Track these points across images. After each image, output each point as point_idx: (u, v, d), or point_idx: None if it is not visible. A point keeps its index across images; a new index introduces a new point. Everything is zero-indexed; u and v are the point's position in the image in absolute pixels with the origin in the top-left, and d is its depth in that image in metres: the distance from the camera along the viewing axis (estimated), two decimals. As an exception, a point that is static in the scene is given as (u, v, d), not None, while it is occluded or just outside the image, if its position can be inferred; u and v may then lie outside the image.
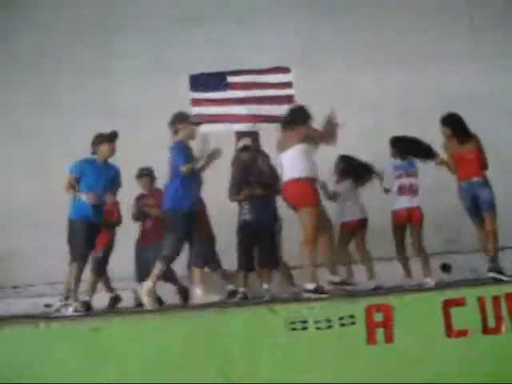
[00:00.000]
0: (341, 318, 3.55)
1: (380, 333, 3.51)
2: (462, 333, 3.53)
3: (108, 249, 6.03)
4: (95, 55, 7.82)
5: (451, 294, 3.68)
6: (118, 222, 6.13)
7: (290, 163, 4.83)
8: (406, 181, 5.53)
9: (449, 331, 3.53)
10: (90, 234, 5.17)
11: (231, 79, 6.05)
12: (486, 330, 3.55)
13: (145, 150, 6.30)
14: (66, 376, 3.57)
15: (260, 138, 5.90)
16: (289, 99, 5.85)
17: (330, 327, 3.53)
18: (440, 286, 4.60)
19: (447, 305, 3.57)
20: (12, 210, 7.41)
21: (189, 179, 5.08)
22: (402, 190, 5.52)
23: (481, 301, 3.59)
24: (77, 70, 7.82)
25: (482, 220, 5.33)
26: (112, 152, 5.36)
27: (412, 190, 5.50)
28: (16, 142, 7.67)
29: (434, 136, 6.48)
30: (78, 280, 5.07)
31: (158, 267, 4.96)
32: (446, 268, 5.39)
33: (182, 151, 5.11)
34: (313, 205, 4.73)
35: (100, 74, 7.69)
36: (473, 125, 6.95)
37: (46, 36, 7.81)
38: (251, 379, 3.50)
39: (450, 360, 3.49)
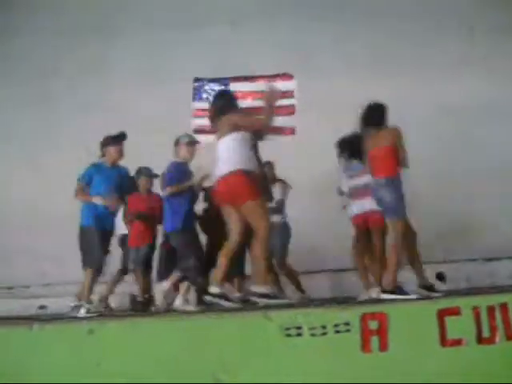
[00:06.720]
0: (336, 325, 3.54)
1: (375, 341, 3.51)
2: (457, 342, 3.53)
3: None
4: (93, 56, 7.84)
5: (446, 303, 3.68)
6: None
7: (225, 155, 4.41)
8: (359, 182, 5.20)
9: (443, 340, 3.53)
10: (103, 241, 5.18)
11: (234, 87, 5.95)
12: (480, 339, 3.54)
13: (143, 153, 6.29)
14: (59, 378, 3.55)
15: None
16: (290, 109, 5.67)
17: (324, 334, 3.53)
18: (435, 295, 4.59)
19: (442, 314, 3.56)
20: (8, 210, 7.40)
21: (177, 199, 5.12)
22: (354, 193, 5.24)
23: (475, 310, 3.59)
24: (75, 71, 7.83)
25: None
26: (119, 154, 5.30)
27: (367, 192, 5.03)
28: (14, 142, 7.67)
29: (431, 141, 6.53)
30: (90, 286, 5.13)
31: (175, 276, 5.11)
32: (440, 277, 5.36)
33: (172, 172, 5.19)
34: (255, 198, 4.31)
35: (97, 75, 7.71)
36: (471, 133, 7.00)
37: (45, 37, 7.83)
38: (245, 385, 3.49)
39: (444, 369, 3.49)
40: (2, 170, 7.55)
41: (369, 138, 4.81)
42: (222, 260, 4.38)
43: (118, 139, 5.30)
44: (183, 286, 5.14)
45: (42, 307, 6.61)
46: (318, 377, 3.50)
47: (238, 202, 4.33)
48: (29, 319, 4.74)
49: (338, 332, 3.53)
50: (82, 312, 4.98)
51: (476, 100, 7.09)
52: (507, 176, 6.81)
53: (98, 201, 5.13)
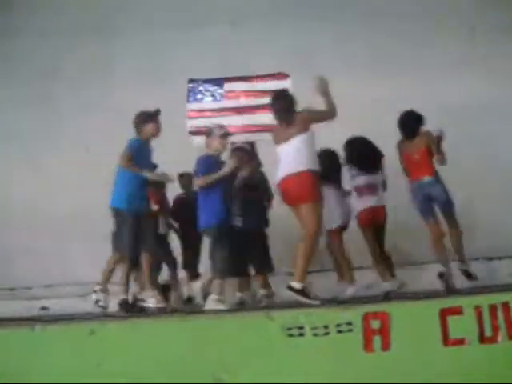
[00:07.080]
0: (338, 325, 3.54)
1: (377, 340, 3.51)
2: (459, 341, 3.53)
3: None
4: (93, 57, 7.84)
5: (448, 302, 3.68)
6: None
7: (291, 156, 4.48)
8: (360, 181, 5.38)
9: (445, 340, 3.53)
10: (136, 227, 4.97)
11: (228, 87, 5.92)
12: (482, 338, 3.55)
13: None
14: (61, 378, 3.56)
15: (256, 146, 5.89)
16: None
17: (327, 334, 3.53)
18: (437, 295, 4.59)
19: (444, 313, 3.57)
20: (8, 210, 7.40)
21: (208, 192, 4.98)
22: (360, 191, 5.38)
23: (477, 310, 3.59)
24: (75, 72, 7.83)
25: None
26: (158, 130, 5.16)
27: (368, 190, 5.34)
28: (14, 142, 7.67)
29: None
30: (110, 272, 4.99)
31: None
32: (443, 276, 5.35)
33: (200, 165, 5.07)
34: (315, 200, 4.48)
35: (97, 75, 7.71)
36: (471, 134, 6.99)
37: (46, 38, 7.83)
38: (247, 385, 3.49)
39: (447, 368, 3.49)
40: (2, 170, 7.55)
41: (403, 144, 5.31)
42: (304, 259, 4.40)
43: (155, 115, 5.18)
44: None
45: (43, 308, 6.60)
46: (320, 377, 3.50)
47: (300, 200, 4.45)
48: (31, 320, 4.74)
49: (340, 332, 3.54)
50: (93, 298, 4.91)
51: (476, 100, 7.09)
52: (507, 176, 6.80)
53: (146, 174, 4.97)
